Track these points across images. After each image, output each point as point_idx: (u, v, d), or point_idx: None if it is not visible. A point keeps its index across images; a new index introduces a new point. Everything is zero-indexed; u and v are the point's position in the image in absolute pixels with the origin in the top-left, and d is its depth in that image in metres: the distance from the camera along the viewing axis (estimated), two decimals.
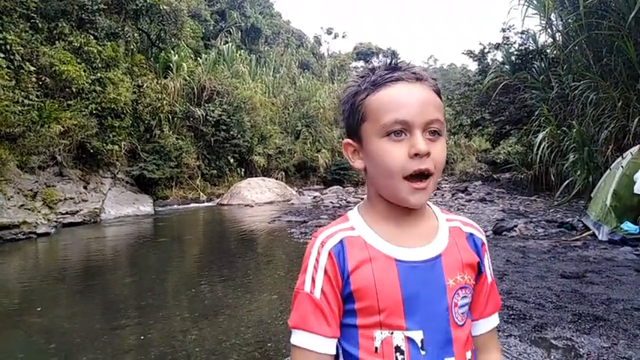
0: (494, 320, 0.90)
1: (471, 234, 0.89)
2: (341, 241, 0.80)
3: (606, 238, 5.84)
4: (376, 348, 0.76)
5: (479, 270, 0.87)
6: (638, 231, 5.72)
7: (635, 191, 5.76)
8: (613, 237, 5.73)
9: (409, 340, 0.76)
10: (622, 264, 4.71)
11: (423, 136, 0.77)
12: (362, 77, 0.85)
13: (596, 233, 6.16)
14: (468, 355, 0.81)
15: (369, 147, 0.80)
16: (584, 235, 6.33)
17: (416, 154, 0.75)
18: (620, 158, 6.86)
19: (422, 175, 0.77)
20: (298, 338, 0.78)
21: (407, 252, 0.80)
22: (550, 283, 4.05)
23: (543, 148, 10.74)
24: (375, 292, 0.76)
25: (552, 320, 3.16)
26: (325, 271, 0.78)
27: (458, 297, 0.81)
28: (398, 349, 0.75)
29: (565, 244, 5.96)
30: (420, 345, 0.76)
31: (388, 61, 0.85)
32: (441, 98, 0.83)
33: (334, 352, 0.78)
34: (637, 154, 6.40)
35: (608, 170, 7.03)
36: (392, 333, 0.76)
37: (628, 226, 5.88)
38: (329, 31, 53.06)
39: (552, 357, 2.66)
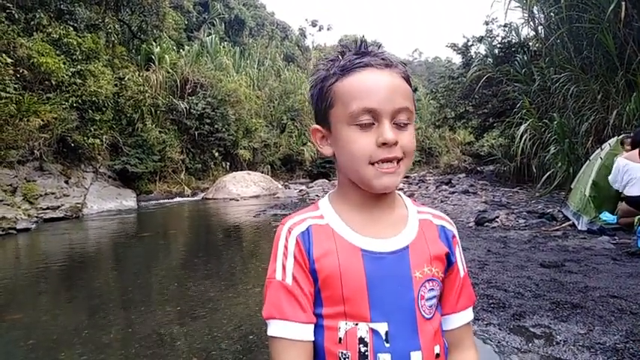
0: (468, 315, 0.88)
1: (443, 226, 0.87)
2: (308, 229, 0.79)
3: (585, 228, 5.94)
4: (340, 338, 0.75)
5: (449, 263, 0.85)
6: (615, 221, 5.83)
7: (609, 181, 5.86)
8: (592, 227, 5.82)
9: (373, 331, 0.75)
10: (600, 253, 4.80)
11: (391, 124, 0.75)
12: (331, 61, 0.83)
13: (576, 223, 6.26)
14: (437, 349, 0.79)
15: (337, 133, 0.79)
16: (563, 225, 6.43)
17: (383, 144, 0.74)
18: (599, 150, 6.98)
19: (390, 159, 0.76)
20: (275, 328, 0.76)
21: (374, 242, 0.79)
22: (530, 273, 4.11)
23: (525, 140, 10.86)
24: (339, 282, 0.76)
25: (531, 308, 3.21)
26: (295, 257, 0.77)
27: (425, 289, 0.79)
28: (361, 340, 0.75)
29: (545, 234, 6.05)
30: (384, 337, 0.75)
31: (358, 44, 0.83)
32: (411, 85, 0.81)
33: (312, 339, 0.76)
34: (615, 145, 6.51)
35: (588, 161, 7.15)
36: (356, 324, 0.75)
37: (606, 216, 5.99)
38: (314, 24, 52.91)
39: (530, 344, 2.70)
